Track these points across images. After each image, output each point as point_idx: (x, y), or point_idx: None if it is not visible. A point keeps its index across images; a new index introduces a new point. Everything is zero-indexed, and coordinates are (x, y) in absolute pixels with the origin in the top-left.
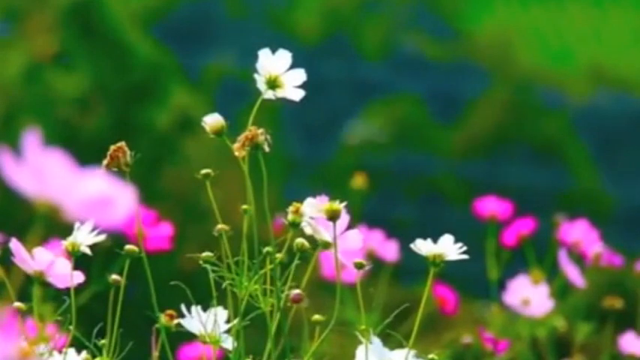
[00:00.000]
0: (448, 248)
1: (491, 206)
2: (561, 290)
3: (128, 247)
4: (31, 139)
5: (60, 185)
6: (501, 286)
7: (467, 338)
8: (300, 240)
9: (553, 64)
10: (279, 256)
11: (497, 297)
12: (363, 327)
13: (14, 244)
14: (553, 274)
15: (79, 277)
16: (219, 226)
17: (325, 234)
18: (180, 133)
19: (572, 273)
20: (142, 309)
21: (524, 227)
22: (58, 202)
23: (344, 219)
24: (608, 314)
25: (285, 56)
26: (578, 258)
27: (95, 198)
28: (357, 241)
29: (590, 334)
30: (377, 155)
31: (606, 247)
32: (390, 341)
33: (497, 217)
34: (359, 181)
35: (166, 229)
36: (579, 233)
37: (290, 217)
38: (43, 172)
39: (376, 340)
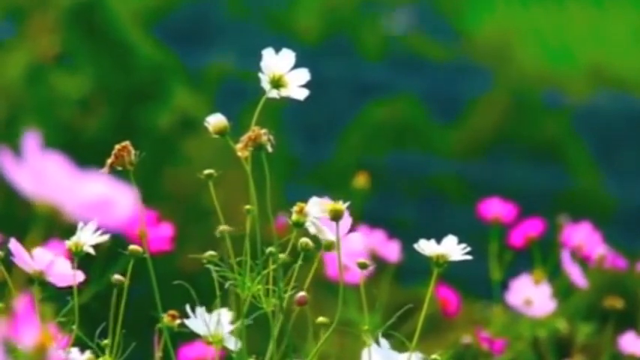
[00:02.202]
0: (452, 249)
1: (495, 208)
2: (563, 291)
3: (132, 247)
4: (31, 141)
5: (60, 187)
6: (503, 286)
7: (466, 339)
8: (304, 239)
9: (553, 64)
10: (282, 256)
11: (499, 298)
12: (366, 327)
13: (13, 245)
14: (555, 275)
15: (79, 277)
16: (222, 227)
17: (330, 234)
18: (181, 133)
19: (575, 274)
20: (142, 309)
21: (532, 229)
22: (59, 203)
23: (346, 221)
24: (609, 314)
25: (288, 56)
26: (582, 260)
27: (95, 200)
28: (359, 243)
29: (590, 335)
30: (377, 155)
31: (610, 249)
32: (391, 341)
33: (501, 220)
34: (361, 180)
35: (167, 229)
36: (582, 235)
37: (294, 216)
38: (44, 173)
39: (383, 342)
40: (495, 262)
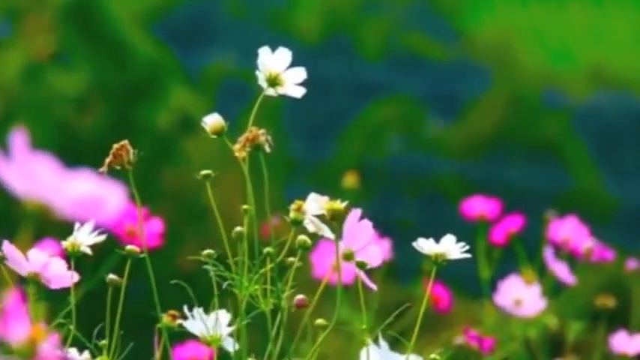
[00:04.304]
0: (450, 248)
1: (478, 206)
2: (553, 288)
3: (129, 247)
4: (19, 140)
5: (49, 185)
6: (494, 284)
7: (459, 339)
8: (302, 237)
9: (553, 64)
10: (280, 257)
11: (489, 296)
12: (364, 327)
13: (7, 247)
14: (545, 272)
15: (74, 277)
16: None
17: (328, 232)
18: (180, 133)
19: (561, 270)
20: (138, 308)
21: (513, 225)
22: (48, 201)
23: (368, 233)
24: (601, 313)
25: (284, 54)
26: (569, 255)
27: (85, 198)
28: (376, 258)
29: (583, 333)
30: (377, 155)
31: (599, 242)
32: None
33: (485, 217)
34: (351, 180)
35: (157, 225)
36: (569, 230)
37: (292, 214)
38: (32, 171)
39: (383, 343)
40: (484, 261)
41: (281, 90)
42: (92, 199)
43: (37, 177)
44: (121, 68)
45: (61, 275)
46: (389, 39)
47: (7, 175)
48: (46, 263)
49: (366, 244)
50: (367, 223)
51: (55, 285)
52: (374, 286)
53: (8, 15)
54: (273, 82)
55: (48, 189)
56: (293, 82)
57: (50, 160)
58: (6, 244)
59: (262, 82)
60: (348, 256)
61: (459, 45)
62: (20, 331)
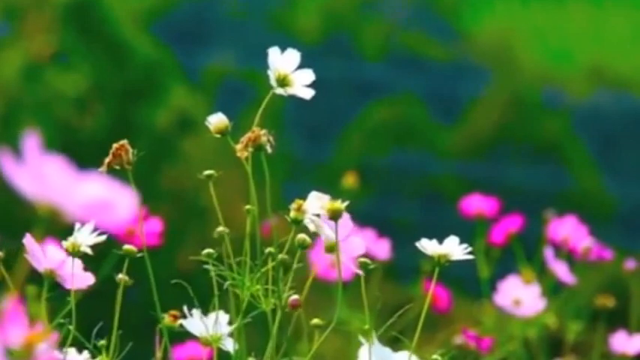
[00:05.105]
0: (453, 249)
1: (477, 204)
2: (553, 288)
3: (126, 247)
4: (31, 142)
5: (60, 188)
6: (494, 284)
7: (458, 338)
8: (301, 236)
9: (553, 64)
10: (281, 256)
11: (489, 296)
12: (367, 327)
13: (28, 241)
14: (545, 272)
15: (88, 279)
16: (220, 228)
17: (329, 231)
18: (179, 133)
19: (561, 270)
20: (137, 308)
21: (512, 225)
22: (59, 204)
23: (348, 223)
24: (600, 313)
25: (293, 55)
26: (568, 255)
27: (95, 201)
28: (359, 247)
29: (583, 333)
30: (377, 155)
31: (598, 242)
32: (382, 340)
33: (484, 216)
34: (350, 180)
35: (156, 225)
36: (568, 230)
37: (292, 214)
38: (43, 174)
39: (379, 344)
40: (482, 260)
41: (290, 90)
42: (103, 203)
43: (48, 180)
44: (121, 68)
45: (75, 275)
46: (389, 39)
47: (16, 177)
48: (63, 261)
49: (347, 236)
50: (345, 215)
51: (69, 285)
52: (361, 272)
53: (8, 15)
54: (282, 82)
55: (59, 192)
56: (301, 84)
57: (61, 162)
58: (28, 237)
59: (273, 81)
60: (331, 248)
61: (458, 45)
62: (17, 334)
